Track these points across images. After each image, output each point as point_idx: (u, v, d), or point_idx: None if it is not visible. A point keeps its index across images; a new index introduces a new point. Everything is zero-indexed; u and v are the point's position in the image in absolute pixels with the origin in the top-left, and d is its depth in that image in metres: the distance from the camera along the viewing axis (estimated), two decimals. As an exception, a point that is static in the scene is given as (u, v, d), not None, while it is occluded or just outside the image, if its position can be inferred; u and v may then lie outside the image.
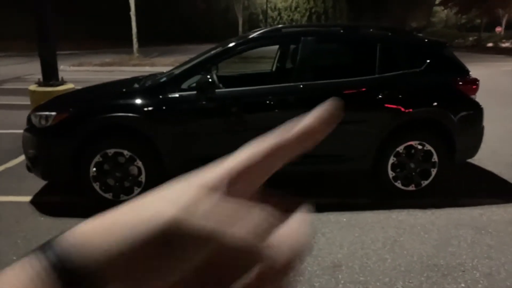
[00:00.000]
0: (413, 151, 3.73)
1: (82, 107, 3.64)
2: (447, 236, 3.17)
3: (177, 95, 3.55)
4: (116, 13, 25.03)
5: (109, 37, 28.47)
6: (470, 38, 33.06)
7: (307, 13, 40.29)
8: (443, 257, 2.89)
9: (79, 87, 5.62)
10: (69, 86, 5.70)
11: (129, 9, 17.65)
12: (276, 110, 3.58)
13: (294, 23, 36.89)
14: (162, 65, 15.50)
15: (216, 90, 3.53)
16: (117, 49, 24.09)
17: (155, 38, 29.16)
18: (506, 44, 29.78)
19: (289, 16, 39.09)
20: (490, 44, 30.56)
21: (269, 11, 37.52)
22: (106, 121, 3.47)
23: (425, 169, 3.77)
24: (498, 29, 38.71)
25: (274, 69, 4.90)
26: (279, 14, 38.98)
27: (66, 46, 22.94)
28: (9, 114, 7.52)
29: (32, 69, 13.19)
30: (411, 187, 3.81)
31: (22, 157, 4.99)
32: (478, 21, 35.07)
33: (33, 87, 5.63)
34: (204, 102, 3.51)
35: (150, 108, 3.49)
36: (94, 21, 30.46)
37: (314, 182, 4.23)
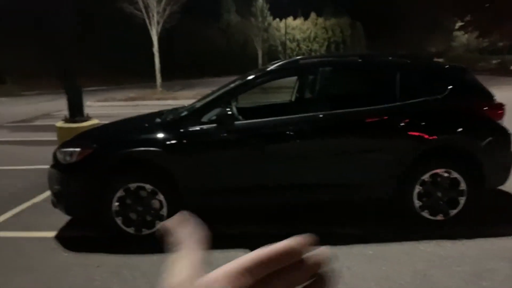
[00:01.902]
0: (439, 179, 3.62)
1: (105, 142, 3.71)
2: (479, 269, 3.01)
3: (197, 128, 3.59)
4: (140, 50, 25.95)
5: (134, 73, 29.40)
6: (493, 61, 32.55)
7: (326, 43, 40.75)
8: (477, 291, 2.74)
9: (104, 122, 5.77)
10: (93, 121, 5.86)
11: (152, 46, 18.27)
12: (296, 141, 3.56)
13: (313, 53, 37.34)
14: (184, 98, 15.84)
15: (235, 122, 3.55)
16: (141, 84, 24.82)
17: (178, 73, 29.94)
18: (531, 66, 29.13)
19: (307, 46, 39.61)
20: (514, 67, 29.95)
21: (288, 42, 38.19)
22: (129, 155, 3.53)
23: (452, 197, 3.64)
24: (521, 51, 38.03)
25: (293, 99, 4.92)
26: (298, 45, 39.56)
27: (93, 83, 23.84)
28: (39, 150, 7.75)
29: (60, 106, 13.71)
30: (439, 217, 3.67)
31: (48, 193, 5.11)
32: (501, 44, 34.62)
33: (60, 123, 5.82)
34: (223, 135, 3.53)
35: (170, 142, 3.53)
36: (120, 58, 31.60)
37: (338, 212, 4.14)
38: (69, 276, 3.13)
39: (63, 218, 4.07)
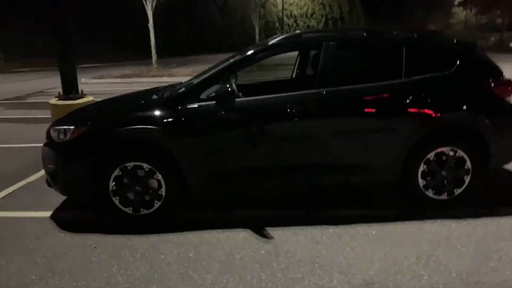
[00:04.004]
0: (444, 157, 3.53)
1: (100, 120, 3.58)
2: (486, 250, 2.96)
3: (195, 105, 3.45)
4: (136, 27, 25.44)
5: (129, 50, 28.94)
6: (492, 39, 32.23)
7: (323, 19, 40.13)
8: (484, 273, 2.68)
9: (99, 99, 5.62)
10: (88, 99, 5.70)
11: (147, 22, 17.87)
12: (298, 118, 3.44)
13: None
14: (181, 75, 15.61)
15: (236, 99, 3.41)
16: (137, 61, 24.46)
17: (174, 50, 29.47)
18: (530, 44, 28.90)
19: (305, 23, 39.00)
20: (513, 44, 29.70)
21: (285, 18, 37.54)
22: (125, 134, 3.40)
23: (458, 176, 3.56)
24: (521, 28, 37.63)
25: (294, 76, 4.76)
26: (295, 21, 38.94)
27: (88, 60, 23.44)
28: (33, 128, 7.61)
29: (54, 83, 13.50)
30: (444, 196, 3.60)
31: (43, 171, 5.00)
32: (499, 21, 34.20)
33: (53, 100, 5.66)
34: (223, 112, 3.40)
35: (168, 120, 3.40)
36: (116, 35, 31.01)
37: (340, 193, 4.06)
38: (67, 257, 3.05)
39: (59, 198, 3.98)
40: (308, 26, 38.21)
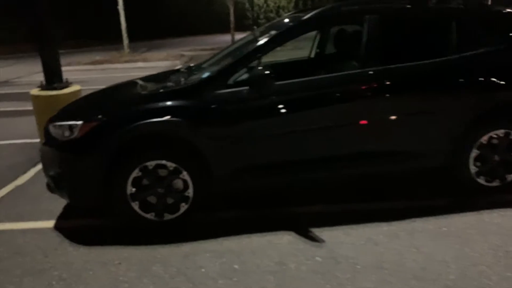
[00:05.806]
0: (496, 141, 3.23)
1: (114, 113, 3.03)
2: (562, 241, 2.70)
3: (224, 92, 2.98)
4: (98, 11, 24.05)
5: (92, 35, 27.39)
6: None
7: None
8: None
9: (84, 89, 5.04)
10: (75, 88, 5.05)
11: (115, 4, 16.78)
12: (343, 103, 3.05)
13: (281, 11, 36.12)
14: (156, 59, 14.80)
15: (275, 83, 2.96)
16: (102, 46, 23.13)
17: (140, 34, 28.13)
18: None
19: (275, 3, 38.25)
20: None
21: (254, -1, 36.66)
22: (145, 128, 2.89)
23: (509, 161, 3.28)
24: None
25: (322, 54, 4.26)
26: (265, 1, 38.14)
27: (49, 46, 21.91)
28: (4, 123, 6.81)
29: (18, 72, 12.36)
30: (496, 183, 3.32)
31: (31, 172, 4.40)
32: None
33: (35, 91, 4.97)
34: (260, 99, 2.95)
35: (195, 110, 2.92)
36: (76, 19, 29.26)
37: (382, 185, 3.69)
38: (89, 278, 2.55)
39: (58, 203, 3.44)
40: (278, 7, 37.47)
